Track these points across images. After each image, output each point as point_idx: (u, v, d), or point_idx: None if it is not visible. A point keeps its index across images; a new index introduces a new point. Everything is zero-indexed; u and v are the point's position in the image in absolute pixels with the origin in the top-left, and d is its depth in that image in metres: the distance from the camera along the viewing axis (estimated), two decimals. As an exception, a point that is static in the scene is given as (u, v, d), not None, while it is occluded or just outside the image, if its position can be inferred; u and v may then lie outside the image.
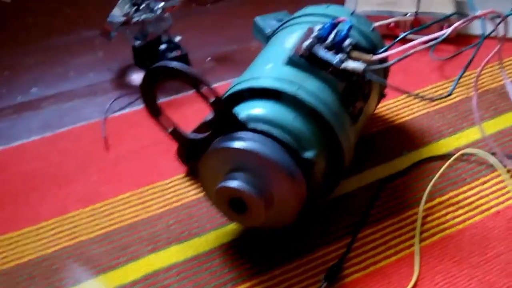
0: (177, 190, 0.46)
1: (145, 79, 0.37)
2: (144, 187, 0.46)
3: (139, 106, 0.55)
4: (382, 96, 0.48)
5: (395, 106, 0.55)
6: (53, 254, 0.41)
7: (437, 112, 0.54)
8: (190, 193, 0.45)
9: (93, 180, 0.47)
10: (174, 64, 0.36)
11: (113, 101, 0.55)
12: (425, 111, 0.54)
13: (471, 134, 0.51)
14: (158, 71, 0.37)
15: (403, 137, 0.51)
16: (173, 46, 0.61)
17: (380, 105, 0.54)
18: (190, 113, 0.48)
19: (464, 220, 0.43)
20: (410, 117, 0.54)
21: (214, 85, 0.36)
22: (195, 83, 0.36)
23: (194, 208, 0.44)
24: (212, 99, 0.36)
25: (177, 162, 0.46)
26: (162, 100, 0.55)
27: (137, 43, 0.59)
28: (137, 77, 0.60)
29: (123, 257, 0.40)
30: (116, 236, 0.42)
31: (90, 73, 0.61)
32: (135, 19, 0.57)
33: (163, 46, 0.60)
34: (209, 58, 0.64)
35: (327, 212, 0.44)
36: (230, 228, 0.42)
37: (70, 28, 0.68)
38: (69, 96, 0.58)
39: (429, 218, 0.43)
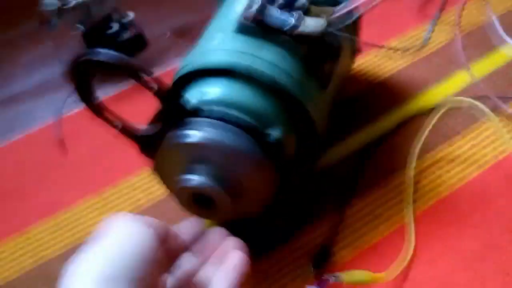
0: (146, 189, 0.42)
1: (72, 76, 0.32)
2: (108, 188, 0.42)
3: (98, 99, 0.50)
4: (356, 51, 0.43)
5: (376, 61, 0.50)
6: (15, 281, 0.37)
7: (423, 60, 0.49)
8: (158, 190, 0.41)
9: (53, 190, 0.43)
10: (101, 55, 0.31)
11: (67, 98, 0.50)
12: (409, 61, 0.49)
13: (461, 80, 0.46)
14: (85, 66, 0.32)
15: (387, 94, 0.46)
16: (125, 25, 0.55)
17: (359, 61, 0.49)
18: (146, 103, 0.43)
19: (461, 179, 0.39)
20: (394, 70, 0.48)
21: (178, 63, 0.31)
22: (132, 72, 0.31)
23: (165, 205, 0.40)
24: (154, 87, 0.31)
25: (142, 157, 0.42)
26: (113, 93, 0.51)
27: (81, 28, 0.53)
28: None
29: (91, 272, 0.37)
30: (82, 249, 0.38)
31: (40, 68, 0.56)
32: (72, 2, 0.51)
33: (113, 27, 0.55)
34: (168, 34, 0.58)
35: (309, 190, 0.40)
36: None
37: (9, 21, 0.62)
38: (19, 98, 0.53)
39: (422, 182, 0.39)
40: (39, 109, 0.51)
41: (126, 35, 0.54)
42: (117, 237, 0.25)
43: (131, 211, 0.40)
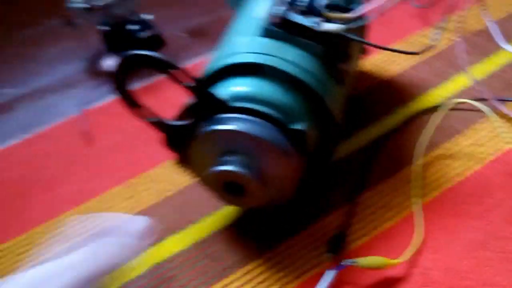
0: (169, 178, 0.45)
1: (118, 71, 0.35)
2: (134, 179, 0.45)
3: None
4: (363, 52, 0.47)
5: (381, 61, 0.53)
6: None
7: (424, 62, 0.53)
8: (182, 179, 0.44)
9: (79, 179, 0.45)
10: (146, 52, 0.34)
11: (89, 92, 0.53)
12: (412, 62, 0.53)
13: (461, 82, 0.50)
14: (130, 61, 0.35)
15: (392, 93, 0.50)
16: (144, 26, 0.58)
17: (365, 61, 0.53)
18: (170, 96, 0.46)
19: (463, 172, 0.43)
20: (397, 70, 0.52)
21: (193, 62, 0.33)
22: (168, 68, 0.34)
23: (187, 195, 0.43)
24: (189, 84, 0.34)
25: (164, 150, 0.45)
26: (139, 85, 0.54)
27: (105, 28, 0.56)
28: (111, 63, 0.58)
29: (122, 254, 0.39)
30: (112, 234, 0.41)
31: (62, 65, 0.58)
32: (97, 3, 0.53)
33: (133, 27, 0.58)
34: (183, 34, 0.61)
35: (323, 181, 0.43)
36: (226, 210, 0.42)
37: (32, 19, 0.64)
38: (44, 93, 0.55)
39: (427, 174, 0.43)
40: (62, 103, 0.54)
41: (145, 34, 0.57)
42: None
43: (158, 201, 0.43)
